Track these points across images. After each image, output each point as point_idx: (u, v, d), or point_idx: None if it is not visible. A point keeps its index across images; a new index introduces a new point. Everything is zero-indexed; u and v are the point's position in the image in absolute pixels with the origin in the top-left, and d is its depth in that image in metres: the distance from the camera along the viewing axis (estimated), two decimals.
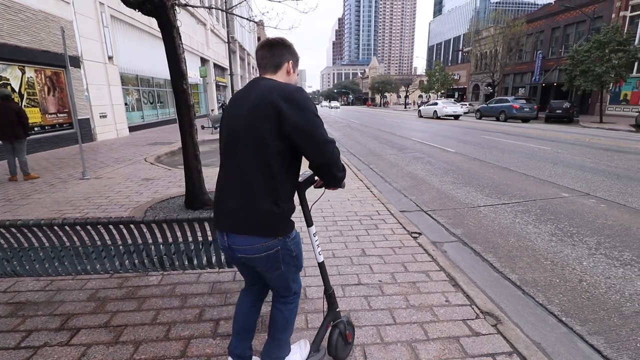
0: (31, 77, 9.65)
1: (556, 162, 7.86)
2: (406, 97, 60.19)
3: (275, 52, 1.40)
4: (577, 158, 8.46)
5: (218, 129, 1.64)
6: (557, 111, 22.64)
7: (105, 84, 12.69)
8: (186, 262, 2.08)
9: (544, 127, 18.58)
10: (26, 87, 9.46)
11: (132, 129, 14.77)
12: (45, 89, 10.20)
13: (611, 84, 20.96)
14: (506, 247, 3.56)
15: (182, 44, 4.01)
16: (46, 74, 10.20)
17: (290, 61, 1.43)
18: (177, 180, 6.20)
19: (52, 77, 10.46)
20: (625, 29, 22.70)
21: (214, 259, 2.08)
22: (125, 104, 14.65)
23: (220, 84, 31.34)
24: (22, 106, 9.35)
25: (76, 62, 11.01)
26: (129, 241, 1.98)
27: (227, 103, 1.50)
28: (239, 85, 35.50)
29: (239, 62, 39.42)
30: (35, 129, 9.78)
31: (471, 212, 4.63)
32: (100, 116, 12.33)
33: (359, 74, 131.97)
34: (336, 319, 1.80)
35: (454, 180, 6.36)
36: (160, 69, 17.87)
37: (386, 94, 71.58)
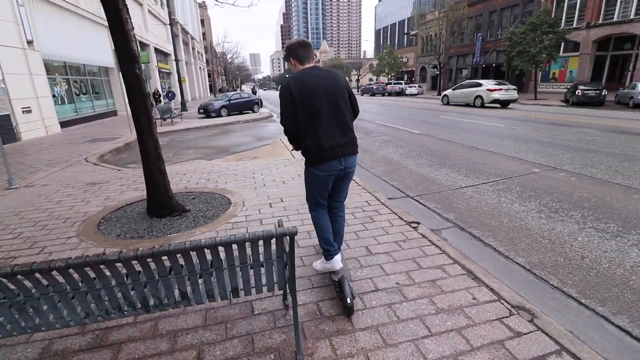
0: None
1: (516, 139, 8.24)
2: (357, 80, 60.76)
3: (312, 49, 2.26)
4: (532, 134, 8.97)
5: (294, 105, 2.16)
6: None
7: (27, 73, 10.79)
8: (179, 298, 1.61)
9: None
10: None
11: (64, 124, 12.90)
12: None
13: (543, 63, 22.79)
14: (502, 229, 3.51)
15: (130, 19, 3.28)
16: None
17: None
18: (131, 183, 5.39)
19: None
20: (553, 13, 24.71)
21: (216, 290, 1.63)
22: (54, 95, 12.69)
23: (163, 70, 28.79)
24: None
25: None
26: (98, 284, 1.45)
27: (304, 81, 2.10)
28: (184, 72, 32.77)
29: (183, 47, 36.45)
30: None
31: (456, 195, 4.57)
32: (24, 111, 10.51)
33: None
34: None
35: (430, 162, 6.32)
36: (92, 55, 15.73)
37: None
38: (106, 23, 3.22)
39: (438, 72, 37.32)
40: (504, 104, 18.12)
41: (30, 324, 1.52)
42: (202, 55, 52.03)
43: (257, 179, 5.27)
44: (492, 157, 6.52)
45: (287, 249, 1.59)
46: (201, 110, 17.51)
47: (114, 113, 18.36)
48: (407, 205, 4.23)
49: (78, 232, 3.57)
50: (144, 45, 23.08)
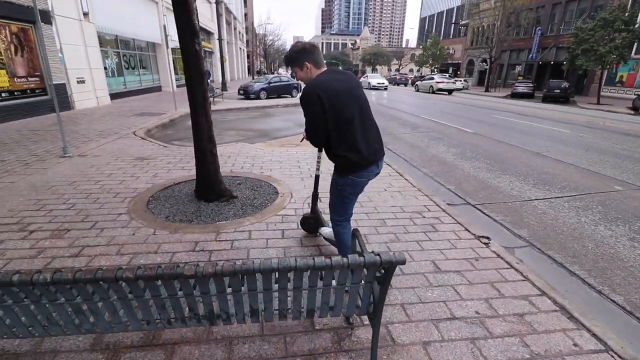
0: None
1: (586, 148, 7.39)
2: (398, 70, 58.65)
3: None
4: (603, 143, 8.03)
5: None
6: (556, 91, 22.28)
7: (82, 45, 11.18)
8: (248, 314, 1.39)
9: (546, 107, 18.21)
10: None
11: (113, 96, 13.37)
12: (12, 47, 8.76)
13: (612, 64, 20.58)
14: (589, 256, 3.03)
15: None
16: (11, 29, 8.73)
17: None
18: (178, 161, 5.36)
19: (19, 35, 8.98)
20: (629, 10, 22.06)
21: (290, 309, 1.40)
22: (105, 68, 13.14)
23: (206, 49, 29.15)
24: None
25: (46, 17, 9.49)
26: (164, 293, 1.26)
27: (332, 87, 1.91)
28: (225, 52, 32.97)
29: (225, 27, 36.67)
30: (3, 94, 8.48)
31: (526, 208, 4.07)
32: (78, 81, 10.94)
33: (349, 45, 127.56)
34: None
35: (489, 167, 5.78)
36: (142, 30, 16.10)
37: (377, 66, 69.57)
38: None
39: (487, 67, 35.03)
40: (449, 91, 26.02)
41: (87, 325, 1.36)
42: (242, 35, 52.22)
43: (303, 169, 5.03)
44: (563, 167, 5.85)
45: (381, 275, 1.31)
46: (241, 92, 17.54)
47: (158, 89, 18.87)
48: (470, 215, 3.82)
49: (128, 209, 3.52)
50: None
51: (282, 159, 5.62)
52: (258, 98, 17.04)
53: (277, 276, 1.25)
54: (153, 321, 1.37)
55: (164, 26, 11.48)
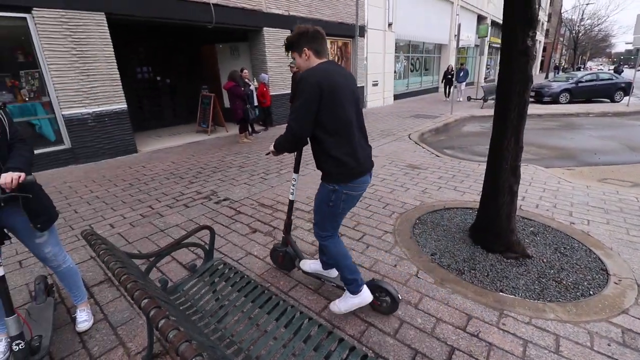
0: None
1: None
2: None
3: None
4: None
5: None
6: None
7: (382, 52, 12.75)
8: None
9: None
10: None
11: (395, 97, 14.65)
12: (336, 59, 11.21)
13: None
14: None
15: None
16: (338, 44, 11.11)
17: None
18: (450, 177, 4.70)
19: (342, 48, 11.32)
20: None
21: None
22: (395, 71, 14.52)
23: (493, 45, 26.50)
24: None
25: (362, 31, 11.39)
26: None
27: (335, 82, 1.67)
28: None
29: None
30: None
31: None
32: (373, 84, 12.67)
33: None
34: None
35: None
36: (432, 33, 16.49)
37: None
38: None
39: None
40: None
41: None
42: (543, 24, 43.51)
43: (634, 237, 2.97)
44: None
45: None
46: (532, 93, 14.45)
47: (435, 89, 19.08)
48: None
49: (394, 229, 3.24)
50: (481, 19, 21.81)
51: (607, 204, 3.68)
52: (555, 102, 13.51)
53: None
54: None
55: (459, 25, 10.94)
